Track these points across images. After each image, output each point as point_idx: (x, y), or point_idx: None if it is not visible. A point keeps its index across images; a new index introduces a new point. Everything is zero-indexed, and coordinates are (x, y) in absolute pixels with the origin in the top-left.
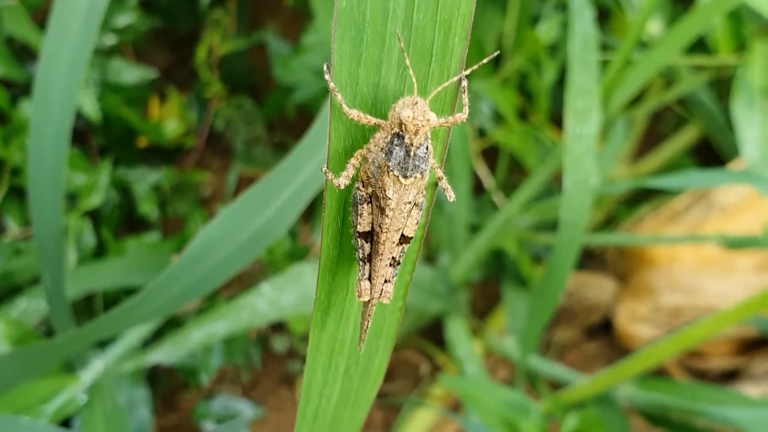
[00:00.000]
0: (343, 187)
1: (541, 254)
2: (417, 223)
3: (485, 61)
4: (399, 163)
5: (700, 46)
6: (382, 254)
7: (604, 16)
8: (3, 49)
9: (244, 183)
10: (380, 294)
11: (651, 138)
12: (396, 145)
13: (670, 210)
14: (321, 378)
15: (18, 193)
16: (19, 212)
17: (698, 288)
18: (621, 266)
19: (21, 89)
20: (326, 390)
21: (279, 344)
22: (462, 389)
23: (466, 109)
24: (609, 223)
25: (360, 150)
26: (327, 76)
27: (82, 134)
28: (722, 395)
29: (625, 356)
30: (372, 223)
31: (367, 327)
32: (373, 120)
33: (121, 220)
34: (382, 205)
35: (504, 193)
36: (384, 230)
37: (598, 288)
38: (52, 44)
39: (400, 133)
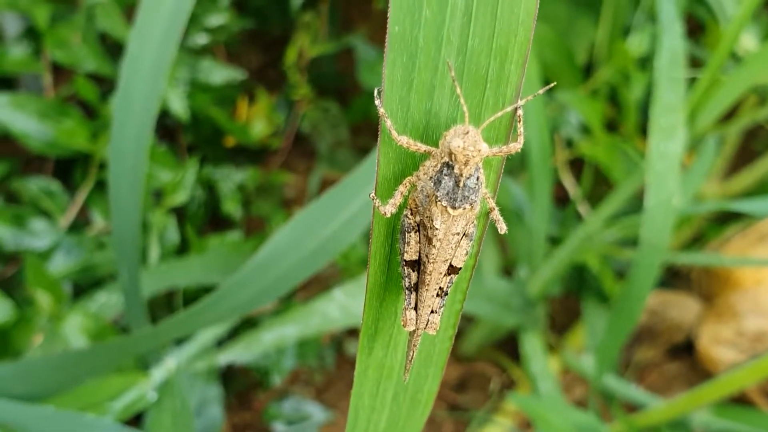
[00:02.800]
0: (389, 215)
1: (624, 270)
2: (467, 254)
3: (541, 92)
4: (448, 194)
5: None
6: (428, 284)
7: (699, 30)
8: (95, 45)
9: (327, 186)
10: (426, 325)
11: (744, 155)
12: (445, 175)
13: (759, 231)
14: (368, 403)
15: (105, 188)
16: (105, 206)
17: None
18: (706, 286)
19: (111, 85)
20: (374, 416)
21: (354, 348)
22: (531, 409)
23: (521, 139)
24: (697, 241)
25: (410, 177)
26: (377, 101)
27: (172, 132)
28: None
29: (706, 380)
30: (419, 252)
31: (412, 357)
32: (423, 147)
33: (206, 219)
34: (430, 235)
35: (589, 205)
36: (431, 260)
37: (683, 308)
38: (137, 41)
39: (450, 162)
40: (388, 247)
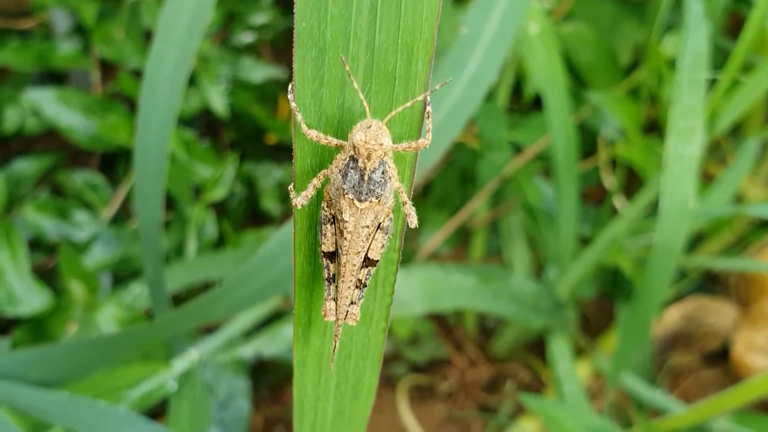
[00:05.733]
0: (299, 206)
1: None
2: (383, 246)
3: (438, 87)
4: (354, 187)
5: None
6: (344, 276)
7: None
8: (139, 41)
9: None
10: (346, 315)
11: None
12: (351, 168)
13: None
14: (312, 392)
15: None
16: None
17: None
18: (744, 292)
19: None
20: (320, 405)
21: (385, 345)
22: (544, 411)
23: (429, 135)
24: (738, 245)
25: (324, 170)
26: (290, 96)
27: (215, 128)
28: None
29: None
30: (335, 244)
31: (335, 347)
32: (335, 141)
33: (246, 214)
34: (341, 227)
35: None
36: (344, 252)
37: (719, 313)
38: (161, 38)
39: (355, 156)
40: (311, 238)
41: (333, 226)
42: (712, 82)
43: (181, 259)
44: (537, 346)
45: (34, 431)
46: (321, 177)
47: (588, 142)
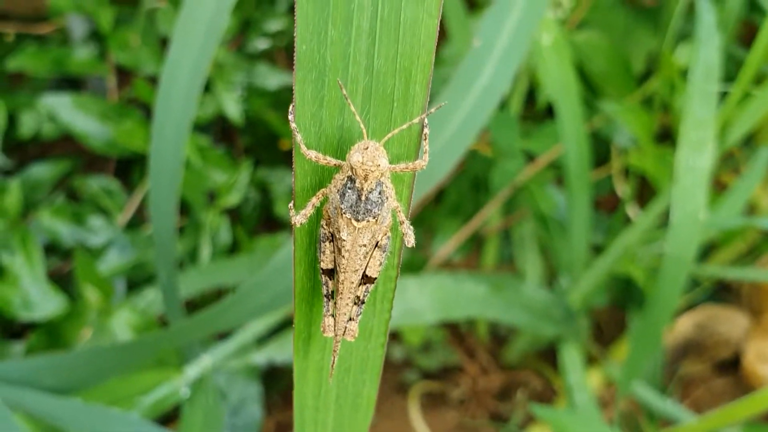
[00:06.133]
0: (298, 225)
1: None
2: (380, 264)
3: (433, 110)
4: (351, 206)
5: None
6: (342, 293)
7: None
8: (155, 47)
9: None
10: (344, 331)
11: None
12: (348, 188)
13: None
14: (312, 403)
15: None
16: None
17: None
18: (756, 302)
19: None
20: (320, 416)
21: (397, 352)
22: (554, 420)
23: (426, 157)
24: (750, 254)
25: (323, 189)
26: (290, 116)
27: (230, 134)
28: None
29: None
30: (334, 262)
31: (333, 362)
32: (333, 161)
33: (260, 220)
34: (339, 245)
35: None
36: (342, 270)
37: (731, 323)
38: (177, 46)
39: (353, 176)
40: (312, 255)
41: (331, 243)
42: (725, 93)
43: (195, 264)
44: (549, 354)
45: None
46: (320, 196)
47: (602, 150)
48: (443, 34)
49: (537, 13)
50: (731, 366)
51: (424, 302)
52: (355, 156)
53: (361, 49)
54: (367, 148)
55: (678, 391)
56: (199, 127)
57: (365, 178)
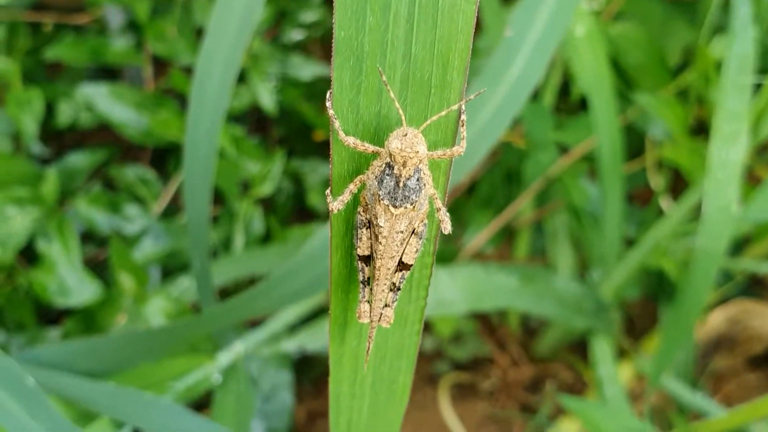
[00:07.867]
0: (336, 211)
1: None
2: (417, 251)
3: (473, 96)
4: (389, 193)
5: None
6: (378, 279)
7: None
8: (191, 38)
9: None
10: (380, 318)
11: None
12: (387, 175)
13: None
14: (348, 390)
15: None
16: None
17: None
18: None
19: None
20: (355, 402)
21: (427, 343)
22: (583, 413)
23: (464, 143)
24: None
25: (361, 175)
26: (328, 103)
27: (264, 125)
28: None
29: None
30: (370, 248)
31: (368, 348)
32: (371, 148)
33: (293, 210)
34: (376, 232)
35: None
36: (378, 257)
37: (764, 317)
38: (212, 37)
39: (391, 163)
40: (348, 241)
41: (368, 230)
42: (759, 85)
43: (229, 253)
44: (580, 347)
45: (81, 420)
46: (357, 182)
47: (635, 142)
48: (478, 25)
49: (571, 4)
50: (764, 361)
51: (455, 293)
52: (395, 143)
53: (398, 35)
54: (407, 134)
55: (709, 386)
56: (234, 117)
57: (404, 165)
